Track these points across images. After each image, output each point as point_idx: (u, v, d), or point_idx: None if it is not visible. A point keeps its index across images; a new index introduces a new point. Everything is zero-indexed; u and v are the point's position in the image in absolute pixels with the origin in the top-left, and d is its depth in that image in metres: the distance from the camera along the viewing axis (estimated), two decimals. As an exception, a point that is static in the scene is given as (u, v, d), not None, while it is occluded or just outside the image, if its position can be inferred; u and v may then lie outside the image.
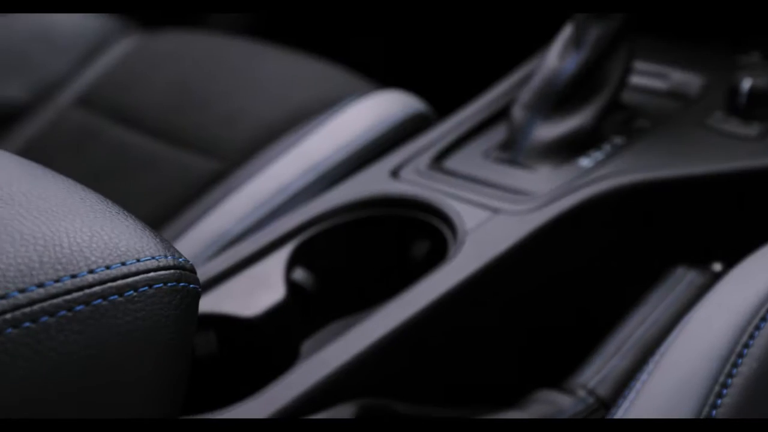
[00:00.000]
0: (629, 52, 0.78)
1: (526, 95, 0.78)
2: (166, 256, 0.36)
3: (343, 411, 0.55)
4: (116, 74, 1.14)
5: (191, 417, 0.56)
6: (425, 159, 0.78)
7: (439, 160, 0.78)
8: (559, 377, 0.62)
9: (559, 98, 0.77)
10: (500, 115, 0.82)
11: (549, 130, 0.77)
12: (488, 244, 0.66)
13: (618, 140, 0.78)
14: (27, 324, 0.32)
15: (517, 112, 0.78)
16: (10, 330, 0.31)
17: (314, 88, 0.99)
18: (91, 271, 0.34)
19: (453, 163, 0.78)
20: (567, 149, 0.76)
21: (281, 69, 1.06)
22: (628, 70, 0.79)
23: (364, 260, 0.73)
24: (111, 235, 0.36)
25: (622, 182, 0.71)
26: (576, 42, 0.78)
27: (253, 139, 0.93)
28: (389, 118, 0.87)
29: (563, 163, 0.75)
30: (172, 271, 0.36)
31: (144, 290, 0.35)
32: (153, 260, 0.36)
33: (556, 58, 0.78)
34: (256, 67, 1.07)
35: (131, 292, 0.34)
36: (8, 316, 0.32)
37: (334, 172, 0.82)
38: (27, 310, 0.32)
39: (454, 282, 0.62)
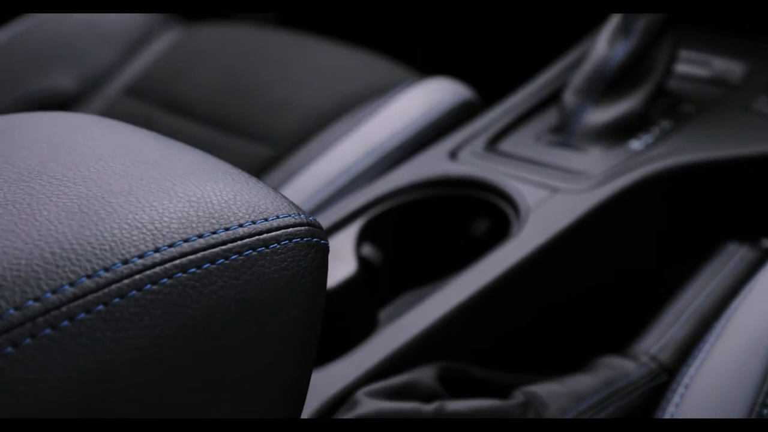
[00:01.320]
0: (675, 40, 0.82)
1: (577, 81, 0.82)
2: (299, 214, 0.40)
3: (425, 372, 0.58)
4: (163, 65, 1.17)
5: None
6: (480, 142, 0.81)
7: (493, 143, 0.81)
8: (619, 345, 0.65)
9: (609, 84, 0.81)
10: (550, 100, 0.85)
11: (600, 115, 0.80)
12: (550, 220, 0.69)
13: (665, 124, 0.81)
14: (193, 270, 0.35)
15: (569, 98, 0.81)
16: (179, 274, 0.35)
17: (360, 78, 1.03)
18: (240, 225, 0.38)
19: (507, 145, 0.81)
20: (617, 132, 0.79)
21: (326, 59, 1.09)
22: (673, 58, 0.83)
23: (427, 237, 0.76)
24: (250, 195, 0.40)
25: (674, 163, 0.75)
26: (624, 30, 0.81)
27: (304, 126, 0.97)
28: (441, 104, 0.90)
29: (614, 146, 0.79)
30: (305, 227, 0.39)
31: (285, 243, 0.38)
32: (289, 217, 0.39)
33: (606, 45, 0.82)
34: (301, 58, 1.10)
35: (275, 244, 0.38)
36: (177, 262, 0.35)
37: (393, 154, 0.85)
38: (192, 257, 0.36)
39: (522, 255, 0.66)
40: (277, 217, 0.39)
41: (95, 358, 0.33)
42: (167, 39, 1.22)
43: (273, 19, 1.40)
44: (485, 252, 0.69)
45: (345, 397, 0.56)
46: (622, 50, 0.81)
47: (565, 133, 0.81)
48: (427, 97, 0.91)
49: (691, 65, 0.88)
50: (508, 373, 0.62)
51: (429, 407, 0.54)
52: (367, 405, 0.53)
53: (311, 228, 0.40)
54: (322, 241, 0.40)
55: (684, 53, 0.87)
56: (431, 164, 0.79)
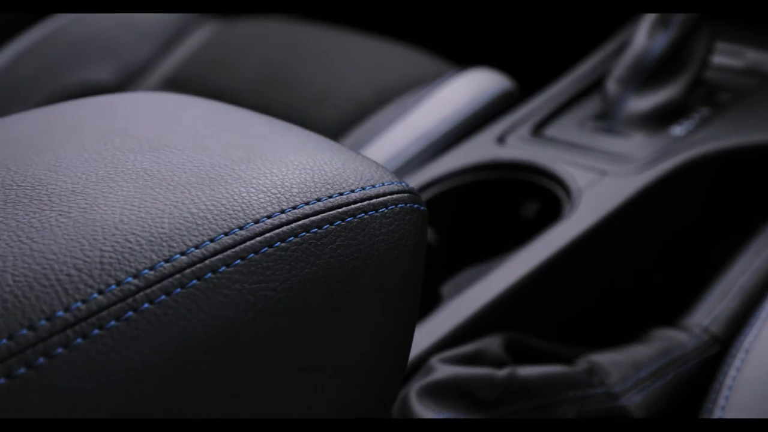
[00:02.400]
0: (711, 32, 0.85)
1: (619, 70, 0.85)
2: (400, 183, 0.43)
3: (492, 341, 0.61)
4: (200, 58, 1.20)
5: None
6: (527, 128, 0.84)
7: (539, 129, 0.84)
8: (670, 319, 0.68)
9: (650, 73, 0.84)
10: (591, 88, 0.89)
11: (641, 102, 0.83)
12: (601, 201, 0.72)
13: (705, 111, 0.84)
14: (314, 230, 0.38)
15: (611, 86, 0.84)
16: (303, 234, 0.38)
17: (399, 70, 1.06)
18: (352, 191, 0.41)
19: (553, 131, 0.84)
20: (659, 119, 0.83)
21: (363, 52, 1.12)
22: (710, 49, 0.86)
23: (478, 219, 0.79)
24: (356, 164, 0.43)
25: (715, 147, 0.78)
26: (663, 23, 0.85)
27: (345, 117, 0.99)
28: (486, 93, 0.93)
29: (656, 132, 0.82)
30: (407, 194, 0.42)
31: (392, 208, 0.41)
32: (393, 185, 0.42)
33: (646, 37, 0.85)
34: (339, 51, 1.13)
35: (383, 209, 0.41)
36: (300, 222, 0.38)
37: (441, 141, 0.88)
38: (314, 218, 0.38)
39: (578, 232, 0.69)
40: (383, 185, 0.42)
41: (236, 307, 0.35)
42: (203, 33, 1.25)
43: (299, 14, 1.43)
44: (537, 232, 0.72)
45: (419, 363, 0.59)
46: (661, 42, 0.84)
47: (608, 120, 0.84)
48: (471, 86, 0.94)
49: (727, 56, 0.91)
50: (565, 344, 0.65)
51: (501, 372, 0.57)
52: (442, 370, 0.56)
53: (412, 195, 0.43)
54: (422, 207, 0.43)
55: (719, 45, 0.90)
56: (481, 149, 0.82)
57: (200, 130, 0.45)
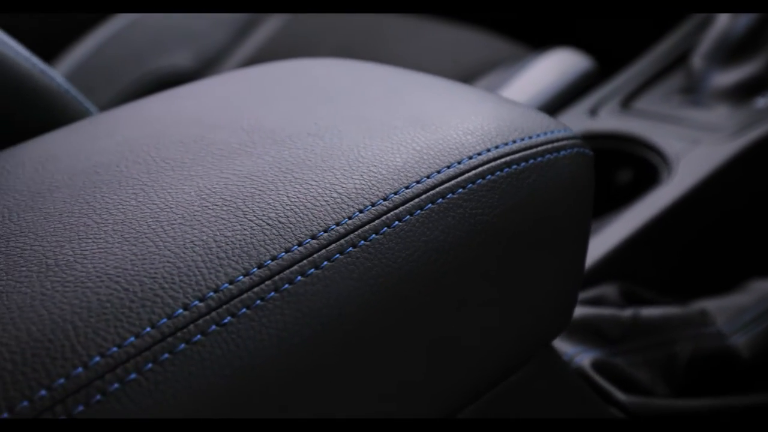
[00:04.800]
0: (789, 10, 0.91)
1: (704, 46, 0.91)
2: (570, 130, 0.49)
3: (610, 289, 0.67)
4: (276, 43, 1.25)
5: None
6: (616, 101, 0.90)
7: (628, 102, 0.90)
8: (765, 272, 0.74)
9: (734, 48, 0.90)
10: (675, 63, 0.95)
11: (726, 76, 0.89)
12: (698, 166, 0.78)
13: (786, 85, 0.90)
14: (515, 166, 0.44)
15: (697, 61, 0.90)
16: (506, 169, 0.44)
17: (476, 53, 1.11)
18: (537, 135, 0.47)
19: (641, 104, 0.90)
20: (743, 92, 0.88)
21: (438, 36, 1.18)
22: (789, 27, 0.91)
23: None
24: (534, 114, 0.48)
25: (800, 117, 0.84)
26: (744, 1, 0.90)
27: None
28: (570, 72, 0.99)
29: (741, 104, 0.88)
30: (578, 140, 0.48)
31: (570, 151, 0.47)
32: (565, 131, 0.48)
33: (729, 15, 0.91)
34: (413, 37, 1.18)
35: (563, 152, 0.47)
36: (504, 159, 0.44)
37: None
38: (515, 156, 0.44)
39: (678, 194, 0.75)
40: (562, 131, 0.48)
41: (461, 227, 0.41)
42: (276, 20, 1.30)
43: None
44: (632, 197, 0.78)
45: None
46: (744, 19, 0.90)
47: (693, 93, 0.90)
48: (557, 66, 1.00)
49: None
50: (671, 295, 0.71)
51: (626, 312, 0.63)
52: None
53: (581, 140, 0.49)
54: (590, 153, 0.49)
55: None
56: (574, 121, 0.88)
57: (391, 84, 0.51)
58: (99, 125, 0.49)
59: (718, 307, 0.68)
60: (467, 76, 1.07)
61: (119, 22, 1.35)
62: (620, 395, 0.56)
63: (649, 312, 0.63)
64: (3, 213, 0.39)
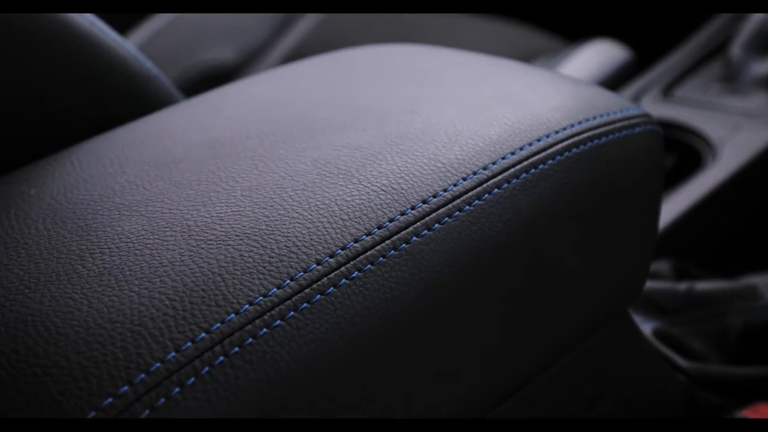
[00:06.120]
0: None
1: (742, 37, 0.94)
2: (643, 109, 0.52)
3: (663, 265, 0.71)
4: (315, 38, 1.28)
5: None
6: (657, 90, 0.94)
7: (669, 90, 0.94)
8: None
9: (772, 39, 0.93)
10: (713, 53, 0.98)
11: (764, 65, 0.92)
12: (742, 150, 0.82)
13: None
14: (596, 141, 0.48)
15: (736, 51, 0.94)
16: (589, 143, 0.47)
17: (515, 45, 1.14)
18: (615, 113, 0.50)
19: (682, 92, 0.94)
20: (781, 80, 0.92)
21: (475, 31, 1.21)
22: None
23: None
24: (607, 93, 0.52)
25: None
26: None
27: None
28: (610, 62, 1.02)
29: (779, 92, 0.91)
30: (650, 118, 0.52)
31: (644, 128, 0.50)
32: (638, 110, 0.52)
33: (765, 6, 0.94)
34: (452, 32, 1.20)
35: (638, 128, 0.50)
36: (587, 134, 0.47)
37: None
38: (595, 131, 0.47)
39: (725, 176, 0.79)
40: (636, 109, 0.51)
41: (550, 196, 0.45)
42: (314, 17, 1.33)
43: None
44: (677, 180, 0.82)
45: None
46: (781, 10, 0.93)
47: (732, 82, 0.93)
48: (598, 56, 1.03)
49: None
50: (719, 271, 0.75)
51: (681, 286, 0.67)
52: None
53: (653, 119, 0.52)
54: (660, 130, 0.53)
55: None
56: (618, 109, 0.91)
57: (471, 66, 0.55)
58: (204, 105, 0.52)
59: (765, 282, 0.71)
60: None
61: (164, 18, 1.38)
62: (681, 361, 0.60)
63: (702, 286, 0.67)
64: (135, 182, 0.43)
